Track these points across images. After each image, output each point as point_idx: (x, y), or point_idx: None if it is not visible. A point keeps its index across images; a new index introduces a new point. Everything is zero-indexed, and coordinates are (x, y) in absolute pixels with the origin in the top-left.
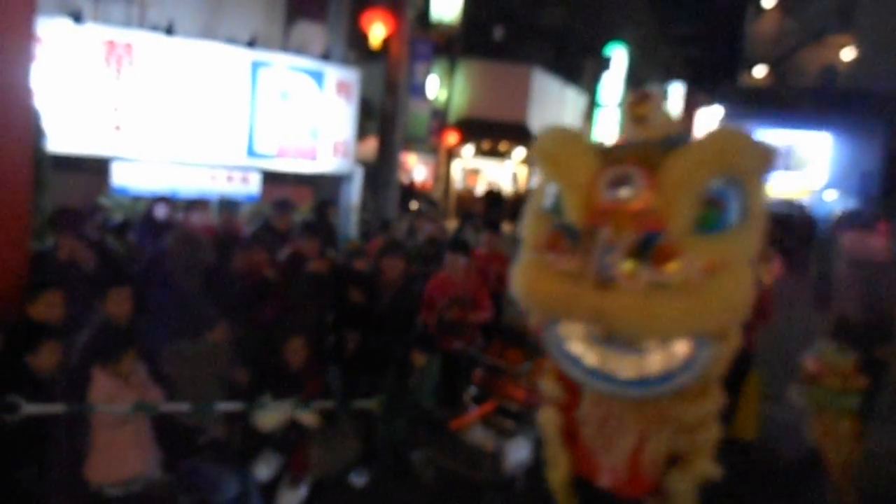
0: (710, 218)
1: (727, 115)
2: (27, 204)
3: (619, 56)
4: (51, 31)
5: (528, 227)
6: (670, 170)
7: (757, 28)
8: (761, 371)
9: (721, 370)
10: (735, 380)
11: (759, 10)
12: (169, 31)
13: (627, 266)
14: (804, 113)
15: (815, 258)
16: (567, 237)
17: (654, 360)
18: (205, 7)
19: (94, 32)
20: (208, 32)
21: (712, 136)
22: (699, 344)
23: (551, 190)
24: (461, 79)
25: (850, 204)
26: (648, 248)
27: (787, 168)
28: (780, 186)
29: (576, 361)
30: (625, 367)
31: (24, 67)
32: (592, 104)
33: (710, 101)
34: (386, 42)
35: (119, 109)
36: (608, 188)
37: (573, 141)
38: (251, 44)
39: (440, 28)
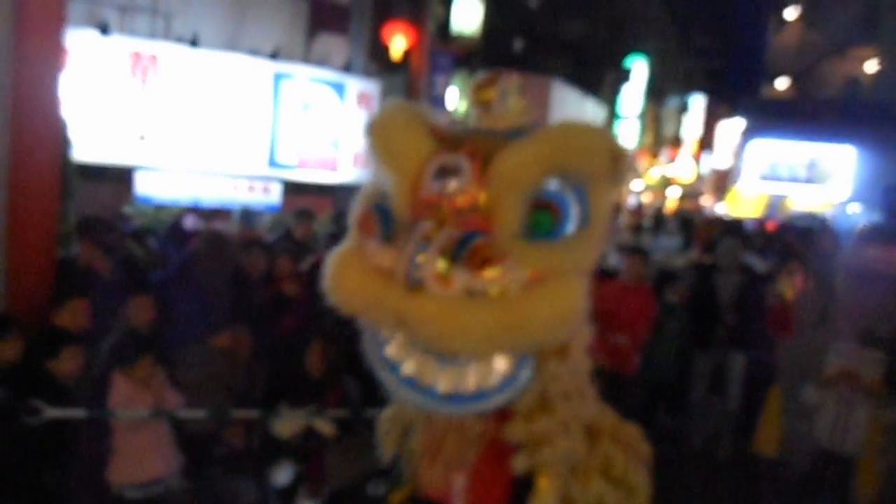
0: (543, 223)
1: (749, 128)
2: (54, 212)
3: (639, 68)
4: (78, 42)
5: (356, 205)
6: (501, 164)
7: (779, 40)
8: (785, 386)
9: (568, 385)
10: (757, 394)
11: (782, 21)
12: (193, 42)
13: (440, 267)
14: (827, 125)
15: (815, 272)
16: (379, 220)
17: (471, 375)
18: (229, 19)
19: (121, 44)
20: (232, 44)
21: (551, 130)
22: (519, 362)
23: (382, 175)
24: None
25: (874, 218)
26: (465, 248)
27: (809, 181)
28: (802, 200)
29: (392, 368)
30: (443, 379)
31: (53, 78)
32: (612, 116)
33: (731, 114)
34: (407, 54)
35: (143, 120)
36: (434, 178)
37: (409, 119)
38: (274, 56)
39: (460, 40)
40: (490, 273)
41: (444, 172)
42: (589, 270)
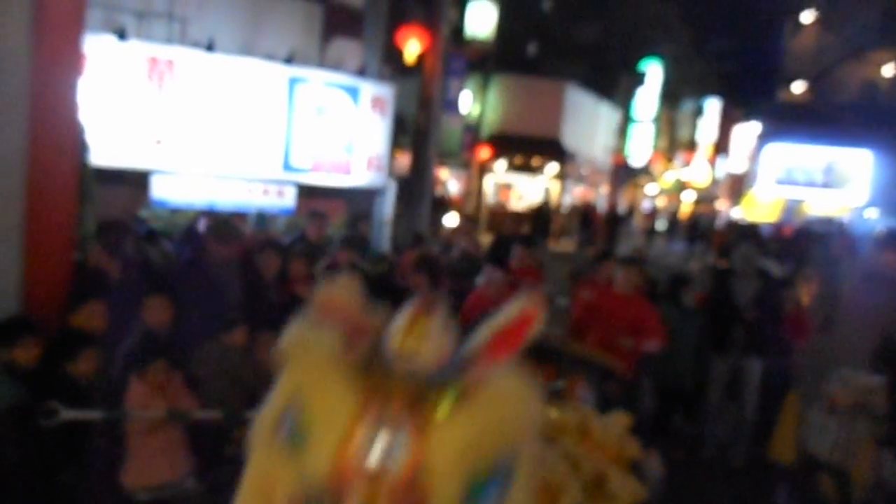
0: (475, 494)
1: (765, 132)
2: (72, 215)
3: (653, 71)
4: (96, 48)
5: (257, 461)
6: (444, 443)
7: (795, 43)
8: (802, 392)
9: None
10: (773, 401)
11: (798, 25)
12: (209, 47)
13: None
14: (844, 129)
15: (820, 278)
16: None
17: None
18: (244, 24)
19: (138, 49)
20: (247, 49)
21: (488, 404)
22: None
23: (295, 409)
24: (494, 94)
25: (891, 222)
26: None
27: (826, 185)
28: (819, 204)
29: None
30: None
31: (72, 83)
32: (626, 119)
33: (747, 117)
34: (420, 58)
35: (160, 124)
36: (367, 450)
37: (331, 358)
38: (289, 60)
39: (474, 44)
40: None
41: (378, 444)
42: None
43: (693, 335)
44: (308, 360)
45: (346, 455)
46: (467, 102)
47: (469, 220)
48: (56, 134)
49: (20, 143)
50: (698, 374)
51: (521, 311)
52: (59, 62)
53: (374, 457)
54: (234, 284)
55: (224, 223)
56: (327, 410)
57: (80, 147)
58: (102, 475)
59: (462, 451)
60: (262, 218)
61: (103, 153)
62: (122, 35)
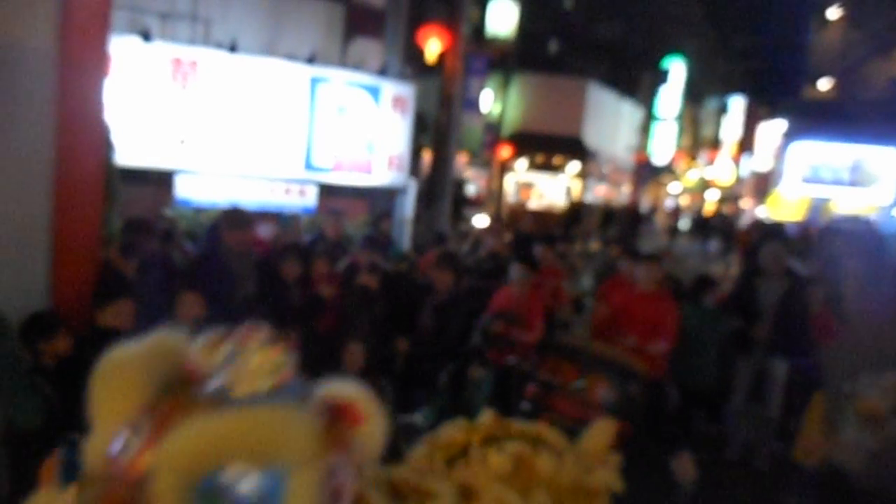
0: None
1: (790, 130)
2: (98, 215)
3: (676, 69)
4: (121, 49)
5: None
6: (168, 440)
7: (821, 40)
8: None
9: None
10: (800, 400)
11: (824, 21)
12: (232, 48)
13: None
14: (871, 127)
15: (821, 279)
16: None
17: None
18: (266, 25)
19: (162, 50)
20: (270, 49)
21: (249, 409)
22: None
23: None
24: (515, 92)
25: None
26: None
27: (853, 184)
28: (846, 203)
29: None
30: None
31: (97, 84)
32: (649, 117)
33: (772, 115)
34: (441, 57)
35: (184, 124)
36: (119, 436)
37: (130, 364)
38: (310, 60)
39: (495, 43)
40: None
41: (129, 430)
42: None
43: (714, 335)
44: (109, 375)
45: (101, 452)
46: (488, 101)
47: (498, 220)
48: (82, 134)
49: (47, 144)
50: (720, 375)
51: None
52: (85, 63)
53: (119, 444)
54: (249, 275)
55: (235, 210)
56: (110, 410)
57: (106, 147)
58: None
59: (185, 456)
60: (289, 220)
61: (128, 153)
62: (146, 36)
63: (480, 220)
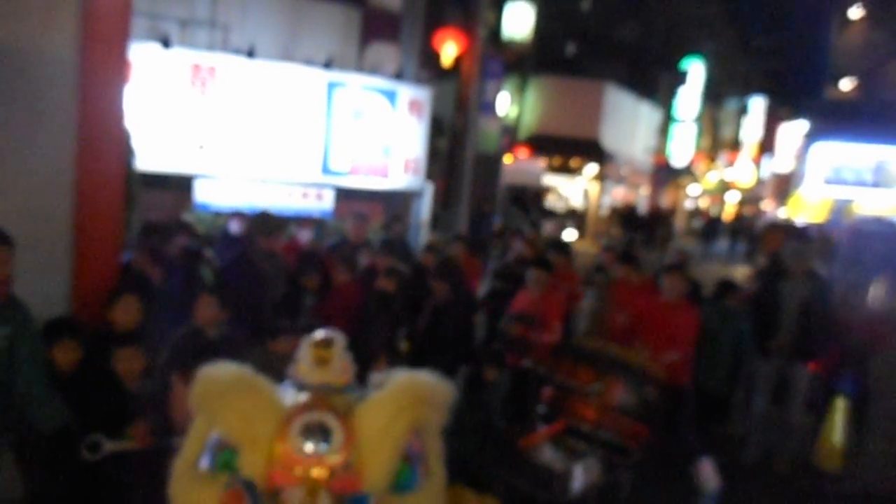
0: (404, 475)
1: (812, 131)
2: (119, 220)
3: (695, 70)
4: (141, 55)
5: (184, 494)
6: (368, 421)
7: (843, 39)
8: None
9: None
10: (820, 403)
11: (846, 20)
12: (250, 54)
13: None
14: (894, 127)
15: (846, 282)
16: (249, 496)
17: None
18: (284, 31)
19: (181, 56)
20: (287, 55)
21: (404, 386)
22: None
23: (212, 443)
24: (532, 95)
25: None
26: None
27: (876, 185)
28: (869, 204)
29: None
30: None
31: (118, 90)
32: (668, 119)
33: (793, 116)
34: (458, 60)
35: (203, 129)
36: (302, 439)
37: (246, 385)
38: (327, 65)
39: (512, 45)
40: None
41: (312, 433)
42: None
43: (731, 336)
44: (227, 396)
45: (283, 450)
46: (505, 104)
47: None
48: (103, 140)
49: (69, 150)
50: (736, 377)
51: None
52: (106, 70)
53: (310, 444)
54: (278, 277)
55: (265, 215)
56: (253, 417)
57: (127, 152)
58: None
59: (383, 429)
60: (321, 227)
61: (148, 158)
62: (166, 43)
63: (568, 234)
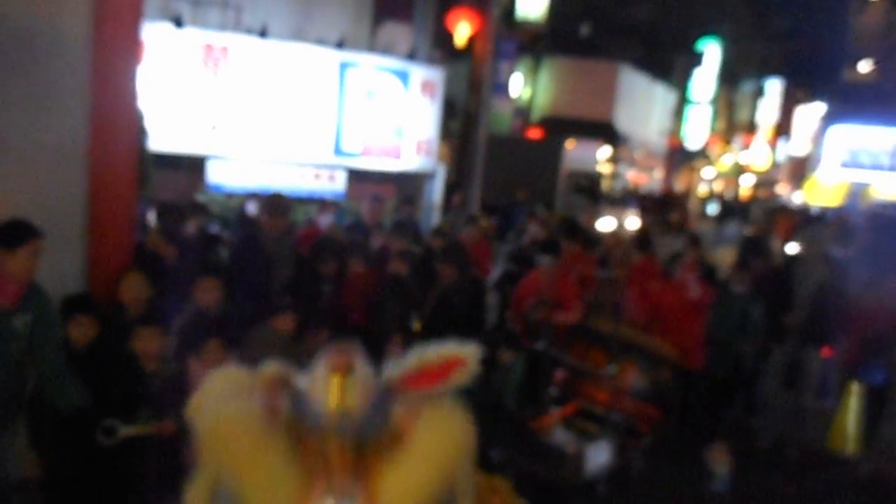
0: None
1: (829, 113)
2: (132, 200)
3: (711, 51)
4: (154, 35)
5: None
6: (394, 487)
7: (861, 21)
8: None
9: None
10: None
11: (864, 2)
12: (262, 34)
13: None
14: None
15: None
16: None
17: None
18: (296, 10)
19: (193, 36)
20: (299, 35)
21: (426, 438)
22: None
23: (228, 489)
24: (546, 76)
25: None
26: None
27: (893, 169)
28: (885, 188)
29: None
30: None
31: (130, 70)
32: (683, 101)
33: (810, 98)
34: (471, 41)
35: (215, 110)
36: None
37: (260, 437)
38: (340, 45)
39: (526, 26)
40: None
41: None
42: None
43: (741, 321)
44: (233, 439)
45: None
46: (518, 85)
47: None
48: (116, 120)
49: (82, 130)
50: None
51: (455, 354)
52: (119, 50)
53: None
54: (287, 260)
55: (275, 196)
56: (268, 488)
57: (139, 133)
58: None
59: (413, 494)
60: (343, 212)
61: (161, 139)
62: (178, 23)
63: (630, 222)
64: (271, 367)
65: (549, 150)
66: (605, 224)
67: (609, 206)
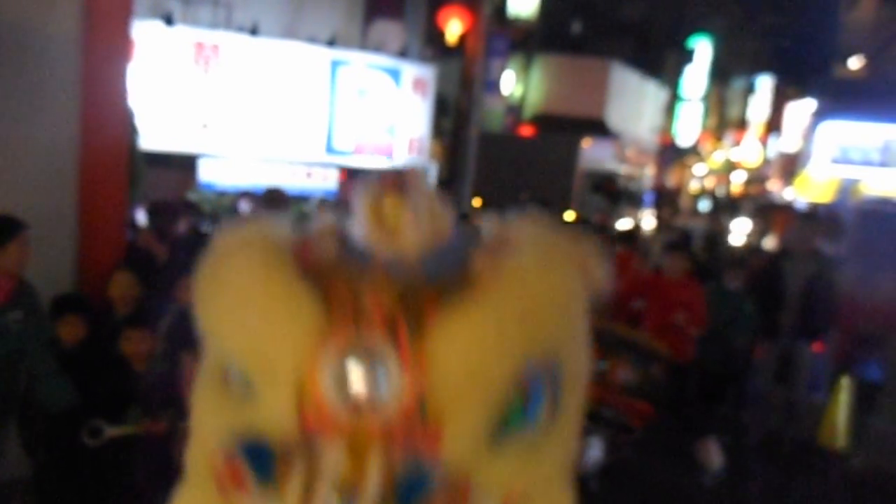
0: (513, 412)
1: (820, 110)
2: (123, 199)
3: (702, 48)
4: (144, 33)
5: (201, 409)
6: (455, 356)
7: (852, 17)
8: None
9: None
10: (825, 383)
11: None
12: (253, 31)
13: None
14: None
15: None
16: (255, 471)
17: None
18: (287, 8)
19: (184, 34)
20: (290, 33)
21: (513, 284)
22: None
23: (230, 351)
24: (537, 74)
25: None
26: (417, 495)
27: (883, 165)
28: (876, 184)
29: None
30: None
31: (121, 68)
32: (674, 98)
33: (801, 95)
34: (462, 38)
35: (206, 108)
36: (337, 382)
37: (270, 277)
38: (331, 43)
39: (517, 23)
40: None
41: (355, 371)
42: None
43: (731, 317)
44: (240, 293)
45: (314, 394)
46: (510, 83)
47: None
48: (106, 118)
49: (72, 128)
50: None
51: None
52: (109, 48)
53: (355, 388)
54: None
55: (274, 191)
56: (276, 339)
57: (130, 131)
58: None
59: (479, 362)
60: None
61: (152, 137)
62: (169, 20)
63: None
64: (326, 220)
65: (565, 148)
66: (624, 224)
67: (628, 206)
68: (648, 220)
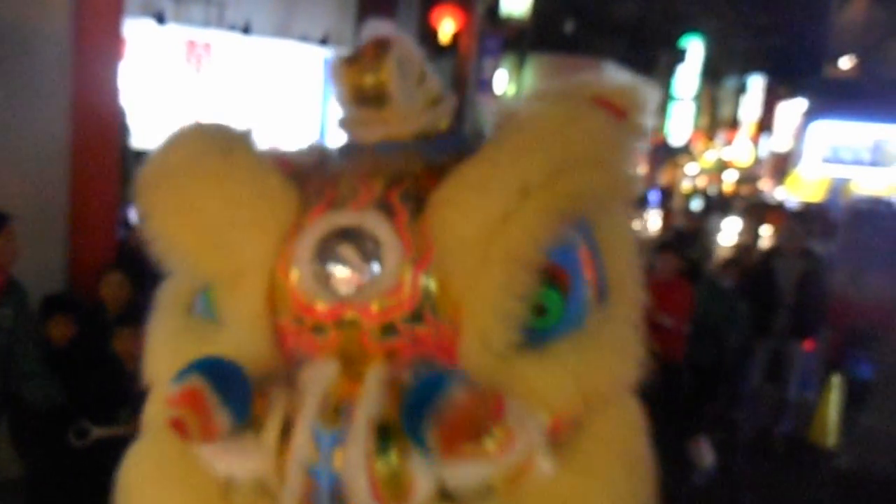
0: (549, 306)
1: (811, 109)
2: (115, 198)
3: (694, 48)
4: (135, 32)
5: (159, 356)
6: (464, 226)
7: (843, 17)
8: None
9: None
10: (815, 381)
11: None
12: (245, 30)
13: (381, 468)
14: (893, 106)
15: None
16: (222, 400)
17: None
18: (279, 7)
19: (176, 33)
20: (283, 31)
21: (534, 132)
22: None
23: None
24: (530, 73)
25: None
26: (424, 411)
27: (874, 164)
28: (866, 183)
29: None
30: None
31: (112, 67)
32: (666, 97)
33: (792, 94)
34: (455, 37)
35: (198, 107)
36: (321, 269)
37: (234, 158)
38: (324, 41)
39: (510, 22)
40: (486, 447)
41: (340, 255)
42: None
43: (719, 315)
44: (193, 184)
45: (290, 293)
46: (503, 82)
47: None
48: (98, 117)
49: (63, 127)
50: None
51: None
52: (100, 47)
53: (339, 273)
54: None
55: None
56: (240, 226)
57: (122, 130)
58: None
59: (493, 224)
60: None
61: (144, 136)
62: (160, 19)
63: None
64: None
65: None
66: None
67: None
68: (654, 221)
